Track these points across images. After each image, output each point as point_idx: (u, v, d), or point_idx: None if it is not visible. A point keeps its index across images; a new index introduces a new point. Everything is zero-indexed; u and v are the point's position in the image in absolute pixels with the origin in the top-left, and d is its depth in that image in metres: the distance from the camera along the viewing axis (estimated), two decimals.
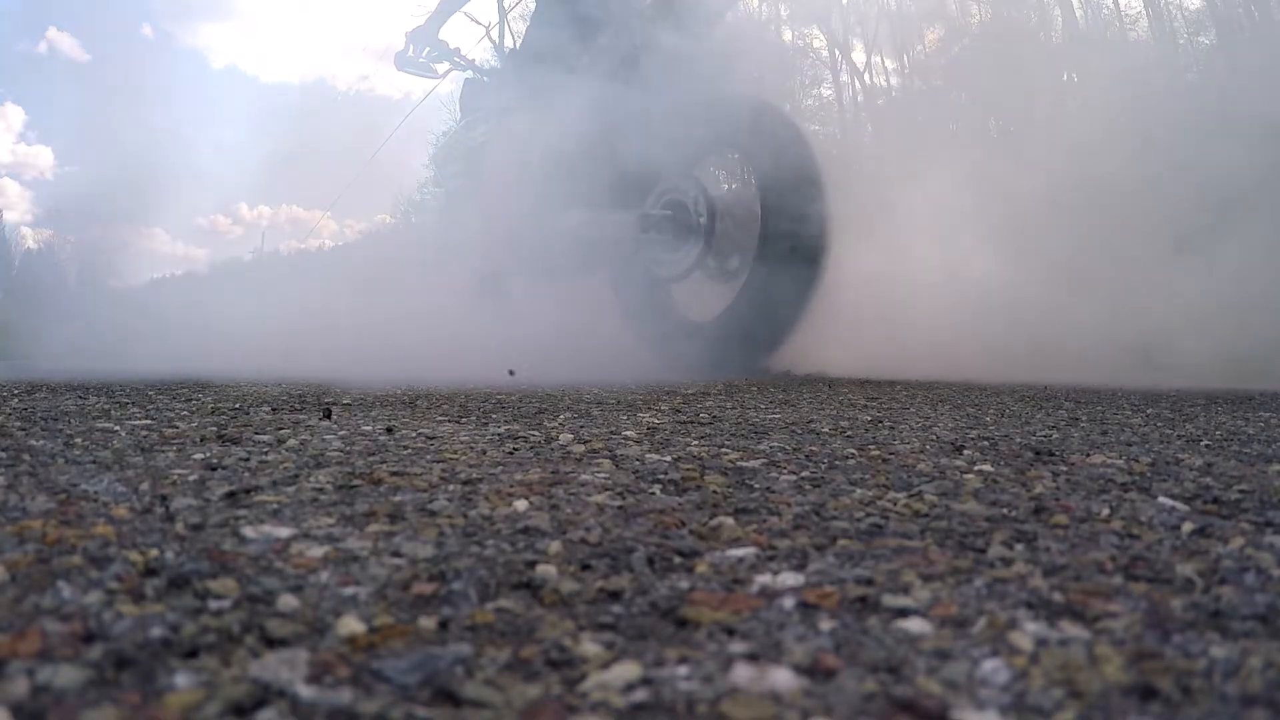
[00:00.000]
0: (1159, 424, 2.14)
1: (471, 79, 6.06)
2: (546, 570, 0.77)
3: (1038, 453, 1.55)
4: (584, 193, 4.70)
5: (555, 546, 0.85)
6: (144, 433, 1.75)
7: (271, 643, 0.59)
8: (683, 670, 0.55)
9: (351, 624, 0.62)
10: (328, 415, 2.08)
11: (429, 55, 5.92)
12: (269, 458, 1.41)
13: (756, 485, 1.20)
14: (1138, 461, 1.46)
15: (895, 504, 1.08)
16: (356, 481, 1.19)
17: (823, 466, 1.38)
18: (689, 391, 3.15)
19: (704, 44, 4.76)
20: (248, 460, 1.38)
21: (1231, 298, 4.36)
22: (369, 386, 3.00)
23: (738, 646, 0.60)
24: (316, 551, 0.82)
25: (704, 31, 4.87)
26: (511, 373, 2.15)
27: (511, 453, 1.50)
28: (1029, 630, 0.62)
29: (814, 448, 1.61)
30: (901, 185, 5.21)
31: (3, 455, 1.41)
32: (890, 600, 0.69)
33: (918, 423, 2.10)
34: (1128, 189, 4.89)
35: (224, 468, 1.30)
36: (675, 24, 4.68)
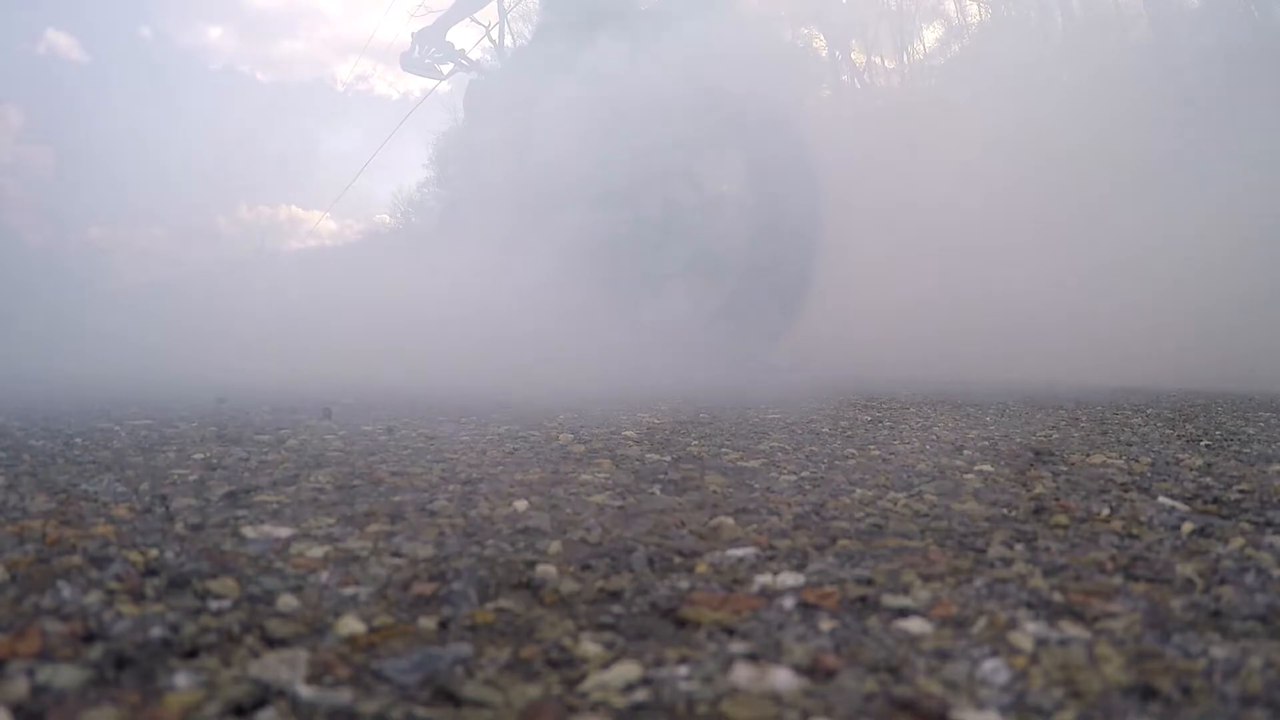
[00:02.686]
0: (1159, 424, 2.14)
1: (476, 80, 6.19)
2: (546, 570, 0.77)
3: (1038, 453, 1.55)
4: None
5: (555, 546, 0.85)
6: (144, 433, 1.75)
7: (271, 643, 0.59)
8: (683, 670, 0.55)
9: (351, 624, 0.62)
10: (328, 415, 2.08)
11: (434, 56, 6.06)
12: (269, 457, 1.41)
13: (756, 485, 1.20)
14: (1138, 461, 1.46)
15: (895, 504, 1.08)
16: (356, 481, 1.19)
17: (823, 466, 1.38)
18: (689, 391, 3.15)
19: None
20: (248, 460, 1.38)
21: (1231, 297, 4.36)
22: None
23: (738, 646, 0.60)
24: (316, 551, 0.82)
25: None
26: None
27: (511, 453, 1.50)
28: (1029, 630, 0.62)
29: (814, 448, 1.61)
30: (901, 187, 5.21)
31: (3, 455, 1.41)
32: (890, 600, 0.69)
33: (918, 423, 2.10)
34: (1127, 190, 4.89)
35: (224, 468, 1.30)
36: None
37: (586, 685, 0.53)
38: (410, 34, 6.05)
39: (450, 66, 6.17)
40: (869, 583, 0.74)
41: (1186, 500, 1.11)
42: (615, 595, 0.71)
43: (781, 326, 4.66)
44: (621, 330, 5.02)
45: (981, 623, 0.64)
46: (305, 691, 0.51)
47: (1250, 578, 0.76)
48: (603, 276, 5.15)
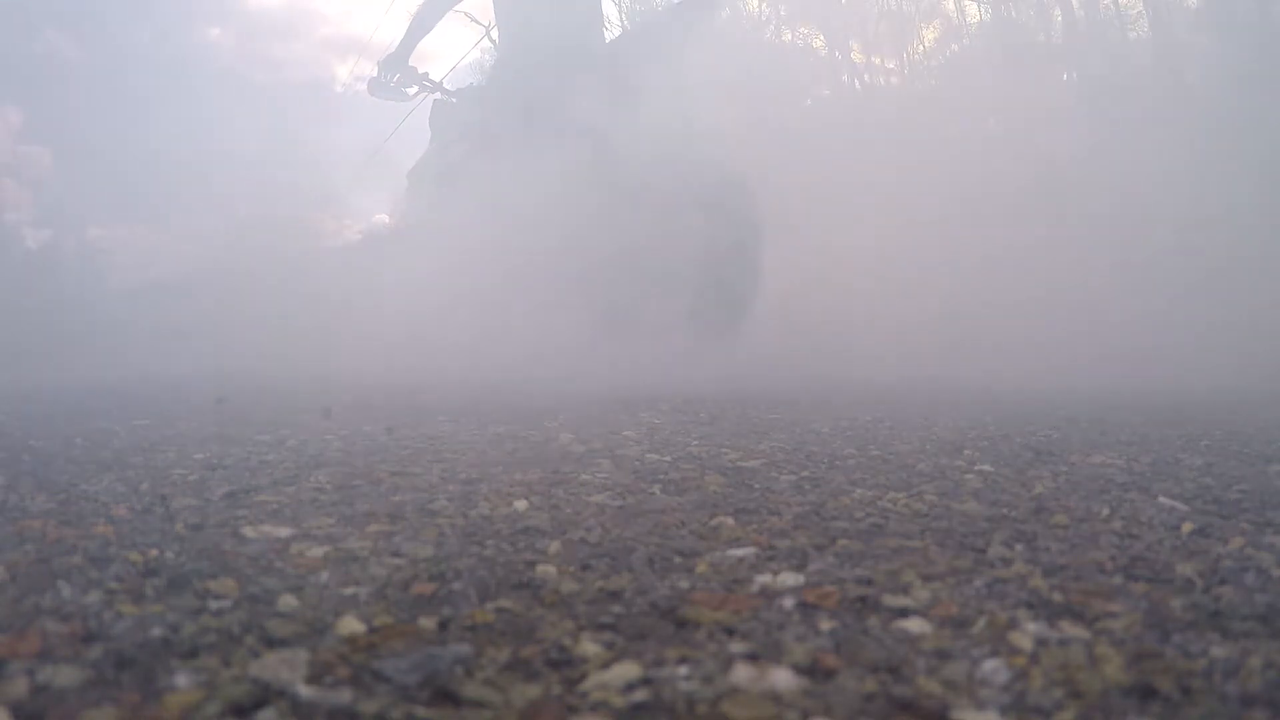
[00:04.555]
0: (1159, 424, 2.14)
1: (440, 100, 6.60)
2: (546, 570, 0.77)
3: (1038, 453, 1.55)
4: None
5: (555, 546, 0.85)
6: (144, 432, 1.75)
7: (271, 643, 0.59)
8: (683, 670, 0.55)
9: (351, 624, 0.62)
10: (328, 415, 2.08)
11: (400, 81, 6.56)
12: (269, 457, 1.41)
13: (756, 485, 1.20)
14: (1138, 461, 1.46)
15: (895, 504, 1.08)
16: (356, 481, 1.19)
17: (823, 466, 1.38)
18: (689, 391, 3.15)
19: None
20: (248, 460, 1.38)
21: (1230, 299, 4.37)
22: None
23: (738, 646, 0.60)
24: (316, 551, 0.82)
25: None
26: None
27: (511, 453, 1.50)
28: (1029, 630, 0.62)
29: (814, 448, 1.61)
30: (900, 187, 5.22)
31: (3, 455, 1.41)
32: (890, 600, 0.69)
33: (918, 423, 2.10)
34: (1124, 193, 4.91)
35: (224, 468, 1.30)
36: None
37: (586, 685, 0.53)
38: (377, 61, 6.42)
39: (415, 89, 6.57)
40: (869, 583, 0.74)
41: (1186, 500, 1.11)
42: (615, 595, 0.71)
43: (731, 335, 4.86)
44: (582, 338, 5.14)
45: (981, 623, 0.64)
46: (305, 691, 0.51)
47: (1250, 578, 0.76)
48: (563, 283, 5.27)
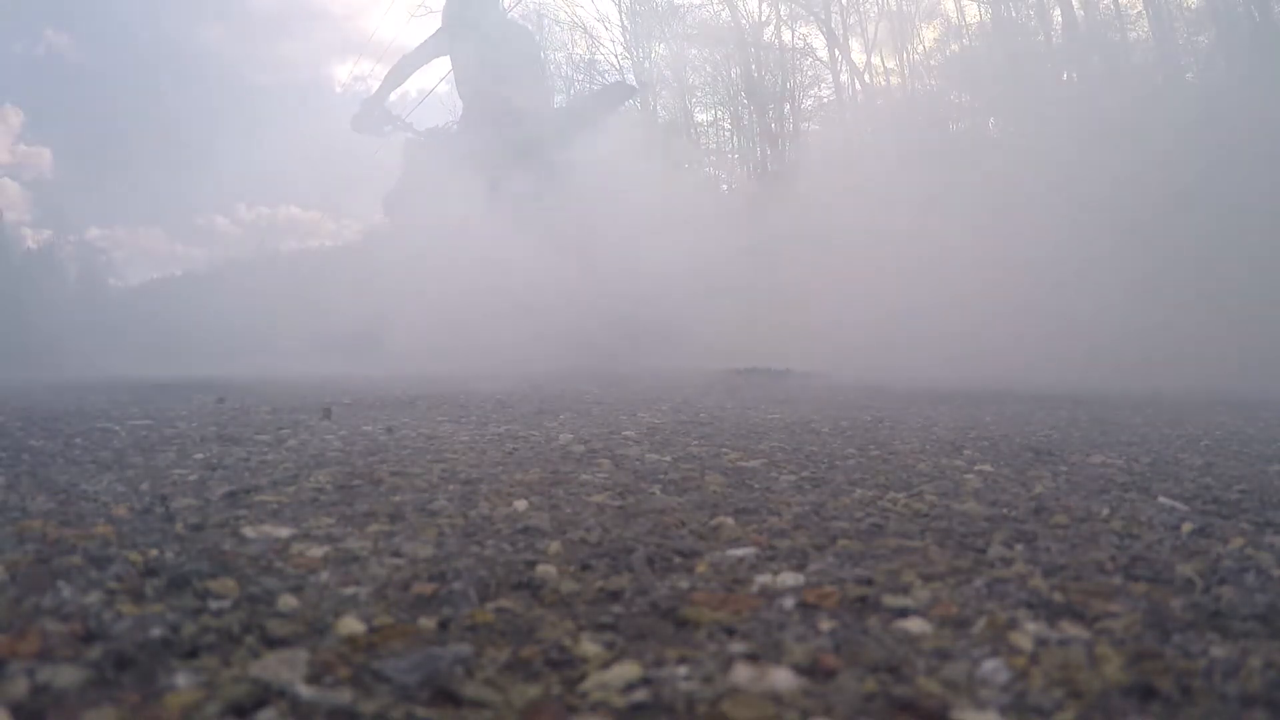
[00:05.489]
0: (1159, 424, 2.14)
1: (412, 138, 7.56)
2: (546, 570, 0.77)
3: (1038, 453, 1.55)
4: None
5: (555, 546, 0.85)
6: (144, 432, 1.75)
7: (271, 643, 0.59)
8: (683, 670, 0.55)
9: (351, 624, 0.62)
10: (328, 415, 2.08)
11: (378, 118, 7.48)
12: (269, 457, 1.41)
13: (756, 485, 1.20)
14: (1138, 461, 1.46)
15: (895, 504, 1.08)
16: (356, 481, 1.19)
17: (823, 466, 1.38)
18: (689, 391, 3.15)
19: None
20: (248, 460, 1.38)
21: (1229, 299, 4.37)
22: None
23: (738, 646, 0.59)
24: (316, 551, 0.82)
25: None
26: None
27: (511, 453, 1.50)
28: (1029, 630, 0.62)
29: (814, 448, 1.61)
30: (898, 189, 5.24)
31: (3, 455, 1.41)
32: (890, 600, 0.69)
33: (918, 423, 2.10)
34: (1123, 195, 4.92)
35: (224, 468, 1.30)
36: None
37: (586, 685, 0.53)
38: (361, 101, 7.53)
39: (391, 127, 7.54)
40: (869, 583, 0.74)
41: (1186, 500, 1.11)
42: (615, 595, 0.71)
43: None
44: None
45: (981, 623, 0.64)
46: (305, 691, 0.51)
47: (1250, 578, 0.76)
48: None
